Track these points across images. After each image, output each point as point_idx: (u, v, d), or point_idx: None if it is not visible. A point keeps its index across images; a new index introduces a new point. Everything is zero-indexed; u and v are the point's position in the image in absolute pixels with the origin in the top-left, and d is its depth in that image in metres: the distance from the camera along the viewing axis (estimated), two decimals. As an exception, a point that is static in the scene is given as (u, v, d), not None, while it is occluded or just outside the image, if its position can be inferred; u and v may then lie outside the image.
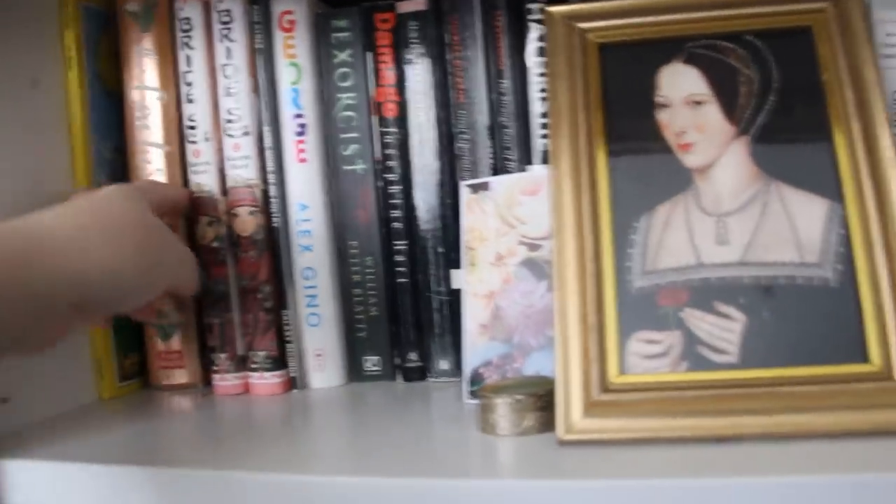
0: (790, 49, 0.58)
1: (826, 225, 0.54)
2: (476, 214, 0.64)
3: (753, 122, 0.57)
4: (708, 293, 0.54)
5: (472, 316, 0.63)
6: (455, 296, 0.69)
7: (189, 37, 0.71)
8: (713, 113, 0.57)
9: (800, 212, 0.55)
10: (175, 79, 0.73)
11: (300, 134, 0.71)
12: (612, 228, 0.56)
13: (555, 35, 0.60)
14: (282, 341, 0.71)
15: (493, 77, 0.67)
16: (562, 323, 0.54)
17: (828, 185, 0.55)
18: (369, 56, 0.70)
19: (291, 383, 0.72)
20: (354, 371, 0.73)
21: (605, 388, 0.53)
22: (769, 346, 0.53)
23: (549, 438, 0.53)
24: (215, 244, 0.72)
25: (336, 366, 0.72)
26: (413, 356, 0.71)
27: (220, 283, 0.72)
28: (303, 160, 0.71)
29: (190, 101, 0.72)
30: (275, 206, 0.71)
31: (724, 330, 0.54)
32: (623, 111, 0.58)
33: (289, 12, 0.70)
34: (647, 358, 0.54)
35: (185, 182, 0.73)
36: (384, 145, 0.70)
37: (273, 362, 0.71)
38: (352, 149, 0.71)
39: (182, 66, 0.72)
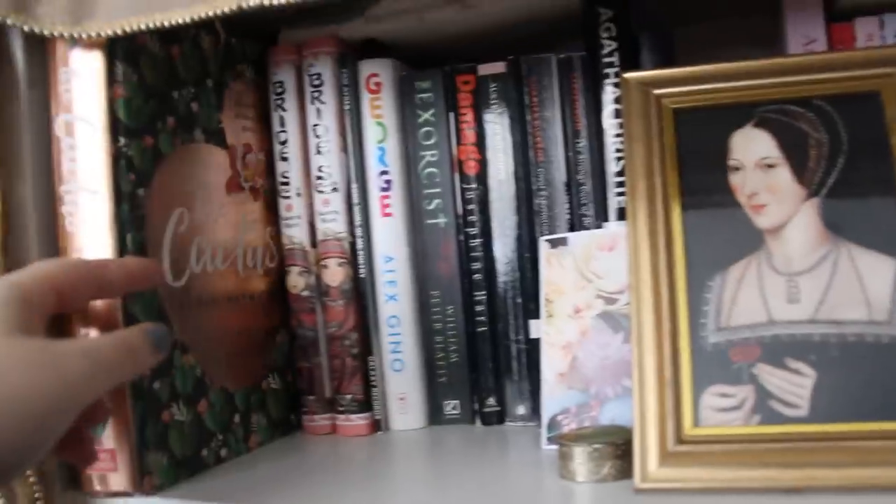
0: (859, 113, 0.60)
1: (895, 284, 0.57)
2: (555, 268, 0.67)
3: (823, 184, 0.59)
4: (779, 349, 0.57)
5: (551, 365, 0.66)
6: (532, 344, 0.72)
7: (282, 99, 0.76)
8: (784, 175, 0.60)
9: (869, 271, 0.57)
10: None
11: (385, 189, 0.75)
12: (687, 286, 0.59)
13: (630, 100, 0.63)
14: (367, 385, 0.75)
15: (570, 136, 0.71)
16: (639, 376, 0.57)
17: (896, 246, 0.57)
18: (451, 116, 0.74)
19: (376, 425, 0.76)
20: (435, 414, 0.76)
21: (680, 439, 0.55)
22: (838, 401, 0.55)
23: (626, 486, 0.56)
24: (305, 293, 0.76)
25: (418, 409, 0.76)
26: (491, 401, 0.74)
27: (309, 329, 0.76)
28: (388, 214, 0.75)
29: (284, 158, 0.76)
30: (361, 258, 0.75)
31: (794, 385, 0.56)
32: (697, 173, 0.61)
33: (375, 75, 0.75)
34: (721, 411, 0.56)
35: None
36: (465, 200, 0.74)
37: (359, 405, 0.75)
38: (435, 204, 0.75)
39: (276, 127, 0.77)
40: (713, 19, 0.78)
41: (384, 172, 0.75)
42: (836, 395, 0.55)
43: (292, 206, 0.76)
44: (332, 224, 0.75)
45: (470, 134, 0.74)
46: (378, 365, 0.75)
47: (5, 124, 0.61)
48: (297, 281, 0.76)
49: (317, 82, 0.75)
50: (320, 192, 0.75)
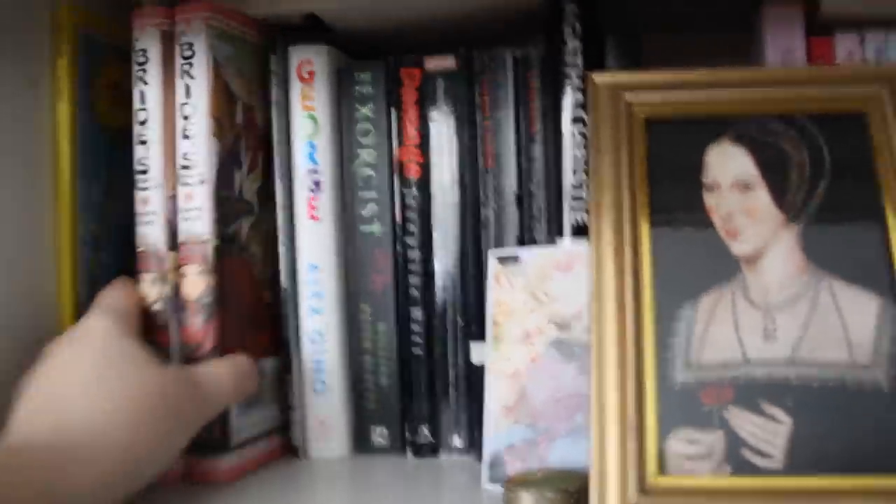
0: (843, 134, 0.55)
1: (879, 325, 0.51)
2: (504, 288, 0.60)
3: (804, 209, 0.54)
4: (754, 392, 0.51)
5: (496, 396, 0.59)
6: (472, 370, 0.65)
7: (144, 70, 0.64)
8: (762, 198, 0.54)
9: (851, 309, 0.52)
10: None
11: (314, 190, 0.67)
12: (654, 317, 0.52)
13: (598, 104, 0.57)
14: (227, 424, 0.63)
15: (524, 142, 0.64)
16: (599, 417, 0.51)
17: (881, 282, 0.52)
18: (393, 112, 0.67)
19: (294, 451, 0.68)
20: (361, 442, 0.69)
21: (643, 489, 0.49)
22: (817, 453, 0.49)
23: (579, 539, 0.50)
24: (157, 306, 0.63)
25: (341, 436, 0.68)
26: (425, 430, 0.67)
27: (160, 351, 0.61)
28: (315, 218, 0.67)
29: (142, 142, 0.64)
30: (283, 265, 0.67)
31: (769, 433, 0.50)
32: (669, 191, 0.55)
33: (308, 62, 0.67)
34: (688, 459, 0.50)
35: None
36: (405, 207, 0.67)
37: (216, 446, 0.63)
38: (369, 209, 0.67)
39: (136, 104, 0.64)
40: (684, 30, 0.72)
41: (313, 171, 0.67)
42: (814, 446, 0.49)
43: (148, 200, 0.63)
44: (195, 223, 0.62)
45: (413, 133, 0.67)
46: (298, 385, 0.67)
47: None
48: (148, 290, 0.63)
49: (188, 53, 0.63)
50: (185, 184, 0.63)
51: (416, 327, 0.67)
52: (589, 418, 0.52)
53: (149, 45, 0.64)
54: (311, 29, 0.68)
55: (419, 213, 0.67)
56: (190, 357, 0.62)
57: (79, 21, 0.67)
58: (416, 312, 0.67)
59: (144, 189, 0.63)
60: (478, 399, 0.64)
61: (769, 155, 0.55)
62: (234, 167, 0.65)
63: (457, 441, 0.67)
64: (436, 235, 0.67)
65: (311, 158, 0.67)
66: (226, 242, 0.64)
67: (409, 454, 0.68)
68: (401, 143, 0.67)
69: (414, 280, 0.67)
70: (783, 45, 0.62)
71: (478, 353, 0.64)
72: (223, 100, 0.64)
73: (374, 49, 0.69)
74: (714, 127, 0.56)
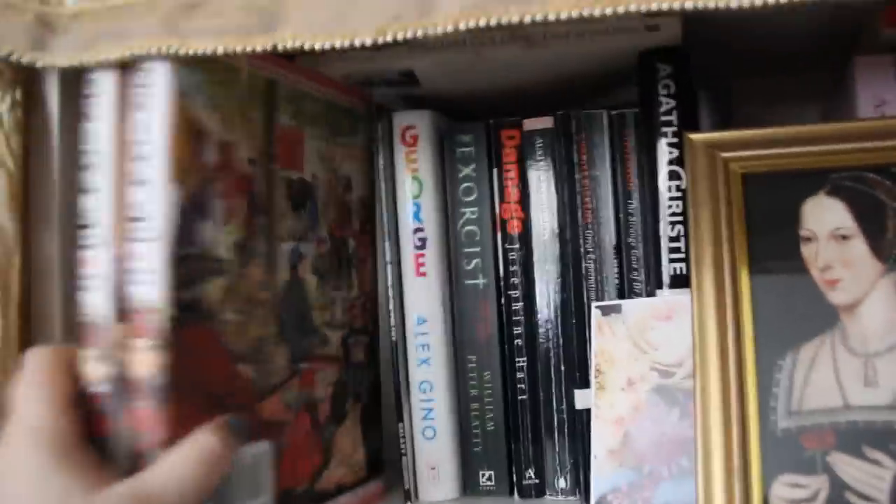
0: (938, 182, 0.57)
1: (980, 369, 0.53)
2: (606, 337, 0.63)
3: (901, 258, 0.56)
4: (856, 437, 0.53)
5: (601, 440, 0.62)
6: (575, 414, 0.68)
7: (93, 104, 0.53)
8: (860, 248, 0.56)
9: (952, 354, 0.53)
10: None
11: (420, 247, 0.71)
12: (756, 366, 0.55)
13: (696, 162, 0.59)
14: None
15: (622, 197, 0.67)
16: (704, 462, 0.53)
17: (981, 328, 0.54)
18: (494, 171, 0.70)
19: (405, 495, 0.71)
20: (469, 485, 0.72)
21: (752, 534, 0.51)
22: (923, 497, 0.51)
23: (689, 581, 0.52)
24: (101, 388, 0.51)
25: (450, 479, 0.71)
26: (530, 473, 0.70)
27: (101, 445, 0.50)
28: (422, 274, 0.71)
29: (88, 190, 0.53)
30: (393, 319, 0.71)
31: (873, 477, 0.52)
32: (767, 243, 0.57)
33: (411, 127, 0.71)
34: (793, 503, 0.52)
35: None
36: (507, 261, 0.70)
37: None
38: (474, 263, 0.71)
39: (83, 144, 0.53)
40: (771, 75, 0.75)
41: (419, 230, 0.71)
42: (921, 490, 0.51)
43: (93, 260, 0.52)
44: (145, 288, 0.50)
45: (514, 191, 0.70)
46: (408, 432, 0.71)
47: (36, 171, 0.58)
48: (91, 369, 0.51)
49: (143, 80, 0.51)
50: (135, 240, 0.51)
51: (520, 375, 0.70)
52: (693, 463, 0.54)
53: (100, 72, 0.53)
54: (403, 83, 0.71)
55: (521, 267, 0.70)
56: (139, 449, 0.50)
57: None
58: (521, 360, 0.70)
59: (89, 247, 0.52)
60: (581, 442, 0.67)
61: (865, 205, 0.57)
62: (198, 218, 0.53)
63: (561, 483, 0.69)
64: (537, 287, 0.70)
65: (417, 217, 0.71)
66: (185, 310, 0.51)
67: (516, 496, 0.71)
68: (502, 200, 0.70)
69: (517, 330, 0.70)
70: (875, 96, 0.64)
71: (582, 399, 0.67)
72: (187, 137, 0.52)
73: (469, 111, 0.73)
74: (810, 180, 0.58)
